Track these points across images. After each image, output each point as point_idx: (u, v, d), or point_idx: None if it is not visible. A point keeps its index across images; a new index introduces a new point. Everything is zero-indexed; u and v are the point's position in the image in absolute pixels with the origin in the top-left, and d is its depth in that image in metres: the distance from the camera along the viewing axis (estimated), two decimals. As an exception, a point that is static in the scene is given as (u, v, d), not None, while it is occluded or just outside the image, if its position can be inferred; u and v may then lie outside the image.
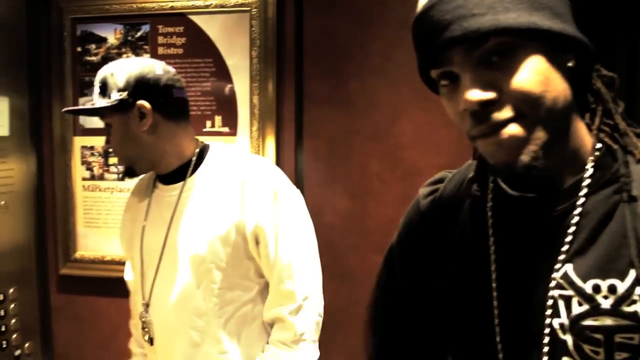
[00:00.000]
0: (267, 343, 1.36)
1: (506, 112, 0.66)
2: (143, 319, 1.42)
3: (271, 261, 1.32)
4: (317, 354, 1.35)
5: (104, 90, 1.33)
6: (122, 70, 1.32)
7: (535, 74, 0.66)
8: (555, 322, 0.70)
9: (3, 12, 1.90)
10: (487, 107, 0.66)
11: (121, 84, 1.31)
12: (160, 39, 1.93)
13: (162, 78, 1.34)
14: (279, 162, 1.86)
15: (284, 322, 1.32)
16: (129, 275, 1.60)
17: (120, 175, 1.99)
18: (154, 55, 1.92)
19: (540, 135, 0.66)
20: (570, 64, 0.69)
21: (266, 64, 1.84)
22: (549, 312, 0.70)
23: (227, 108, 1.89)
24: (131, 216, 1.52)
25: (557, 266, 0.71)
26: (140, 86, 1.32)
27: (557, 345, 0.70)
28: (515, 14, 0.65)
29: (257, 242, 1.33)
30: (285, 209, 1.34)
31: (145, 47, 1.94)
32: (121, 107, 1.31)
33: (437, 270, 0.86)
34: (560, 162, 0.71)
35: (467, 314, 0.80)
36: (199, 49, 1.90)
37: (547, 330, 0.70)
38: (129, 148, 1.36)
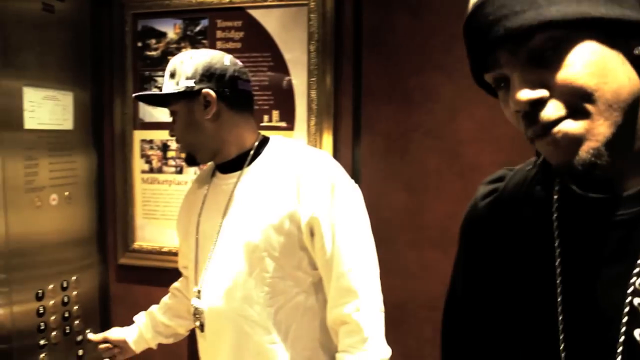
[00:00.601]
0: (337, 350, 1.34)
1: (558, 110, 0.63)
2: (195, 306, 1.44)
3: (328, 255, 1.31)
4: (389, 350, 1.33)
5: (173, 78, 1.38)
6: (191, 60, 1.37)
7: (586, 66, 0.62)
8: (636, 333, 0.65)
9: (68, 9, 1.95)
10: (538, 106, 0.64)
11: (189, 72, 1.36)
12: (219, 34, 1.95)
13: (229, 69, 1.38)
14: (335, 157, 1.84)
15: (349, 323, 1.30)
16: (183, 262, 1.65)
17: (183, 163, 2.01)
18: (213, 49, 1.93)
19: (601, 130, 0.62)
20: (637, 51, 0.63)
21: (324, 58, 1.83)
22: (625, 319, 0.65)
23: (284, 102, 1.89)
24: (189, 204, 1.56)
25: (636, 270, 0.65)
26: (207, 75, 1.36)
27: (636, 356, 0.65)
28: (560, 5, 0.62)
29: (312, 234, 1.33)
30: (342, 202, 1.33)
31: (204, 41, 1.96)
32: (187, 94, 1.36)
33: (497, 276, 0.81)
34: (631, 160, 0.66)
35: (529, 321, 0.76)
36: (257, 43, 1.91)
37: (622, 339, 0.65)
38: (192, 135, 1.40)
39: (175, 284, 1.73)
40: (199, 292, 1.44)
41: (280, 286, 1.35)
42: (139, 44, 2.04)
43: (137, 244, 2.11)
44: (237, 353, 1.39)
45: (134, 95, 1.55)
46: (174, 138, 1.45)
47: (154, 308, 1.73)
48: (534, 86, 0.64)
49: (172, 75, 1.39)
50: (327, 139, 1.85)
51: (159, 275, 2.07)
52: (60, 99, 1.92)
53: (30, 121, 1.80)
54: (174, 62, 1.40)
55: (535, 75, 0.64)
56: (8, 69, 1.72)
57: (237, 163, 1.42)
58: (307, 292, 1.38)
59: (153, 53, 2.02)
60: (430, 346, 1.87)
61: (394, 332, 1.88)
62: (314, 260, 1.37)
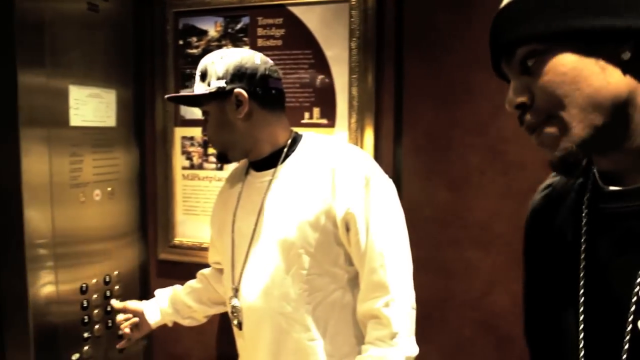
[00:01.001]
0: (364, 343, 1.34)
1: (537, 116, 0.72)
2: (232, 304, 1.46)
3: (362, 249, 1.31)
4: (416, 349, 1.32)
5: (204, 79, 1.40)
6: (221, 60, 1.39)
7: (558, 75, 0.69)
8: None
9: (112, 8, 1.98)
10: (523, 110, 0.74)
11: (220, 72, 1.37)
12: (260, 31, 1.95)
13: (260, 68, 1.39)
14: (377, 154, 1.85)
15: (379, 317, 1.30)
16: (215, 257, 1.70)
17: (217, 164, 2.05)
18: (254, 47, 1.94)
19: (575, 132, 0.69)
20: (624, 56, 0.67)
21: (365, 55, 1.82)
22: (632, 309, 0.69)
23: (325, 100, 1.89)
24: (223, 202, 1.58)
25: None
26: (238, 75, 1.37)
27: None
28: (536, 21, 0.70)
29: (347, 229, 1.33)
30: (376, 196, 1.33)
31: (245, 39, 1.97)
32: (219, 94, 1.38)
33: (542, 268, 0.87)
34: (632, 158, 0.72)
35: (552, 309, 0.82)
36: (298, 40, 1.91)
37: (629, 328, 0.69)
38: (225, 135, 1.42)
39: (204, 271, 1.77)
40: (236, 290, 1.46)
41: (317, 283, 1.36)
42: (180, 42, 2.06)
43: (177, 240, 2.13)
44: (275, 350, 1.40)
45: (166, 97, 1.56)
46: (206, 137, 1.48)
47: (177, 287, 1.78)
48: (521, 92, 0.73)
49: (203, 76, 1.40)
50: (369, 136, 1.84)
51: (198, 270, 2.09)
52: (104, 96, 1.95)
53: (75, 118, 1.83)
54: (204, 63, 1.41)
55: (523, 82, 0.73)
56: (56, 69, 1.75)
57: (270, 160, 1.43)
58: (344, 288, 1.38)
59: (194, 51, 2.03)
60: (471, 345, 1.85)
61: (433, 331, 1.88)
62: (350, 256, 1.37)
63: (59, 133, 1.77)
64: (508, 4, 0.74)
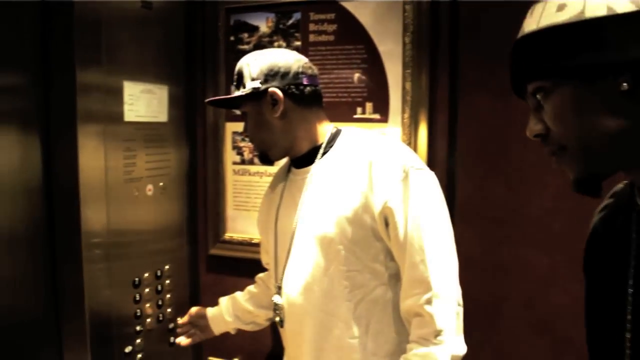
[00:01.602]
0: (408, 341, 1.32)
1: (552, 144, 0.79)
2: (275, 302, 1.46)
3: (401, 244, 1.28)
4: (464, 347, 1.28)
5: (240, 81, 1.43)
6: (256, 61, 1.42)
7: (560, 112, 0.75)
8: None
9: (164, 5, 1.99)
10: (542, 138, 0.80)
11: (254, 73, 1.40)
12: (312, 26, 1.94)
13: (293, 66, 1.41)
14: (430, 150, 1.82)
15: (422, 315, 1.27)
16: (265, 258, 1.72)
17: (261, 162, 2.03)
18: (305, 42, 1.94)
19: (574, 167, 0.77)
20: (623, 87, 0.70)
21: (419, 50, 1.79)
22: None
23: (378, 95, 1.87)
24: (268, 202, 1.60)
25: None
26: (272, 74, 1.40)
27: None
28: (539, 59, 0.77)
29: (386, 224, 1.30)
30: (416, 189, 1.29)
31: (297, 34, 1.96)
32: (255, 95, 1.40)
33: (596, 285, 0.93)
34: None
35: (609, 323, 0.86)
36: (350, 35, 1.89)
37: None
38: (264, 134, 1.44)
39: (261, 275, 1.79)
40: (279, 288, 1.46)
41: (358, 279, 1.34)
42: (232, 38, 2.06)
43: (227, 235, 2.13)
44: (318, 348, 1.39)
45: (206, 101, 1.60)
46: (247, 138, 1.51)
47: (238, 294, 1.82)
48: (536, 124, 0.81)
49: (239, 78, 1.44)
50: (422, 131, 1.81)
51: (248, 266, 2.09)
52: (156, 92, 1.97)
53: (129, 114, 1.85)
54: (240, 66, 1.45)
55: (539, 114, 0.80)
56: (111, 65, 1.77)
57: (310, 157, 1.44)
58: (385, 285, 1.36)
59: (245, 47, 2.03)
60: (526, 346, 1.81)
61: (486, 331, 1.84)
62: (391, 252, 1.34)
63: (113, 129, 1.79)
64: (517, 42, 0.81)
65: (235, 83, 1.46)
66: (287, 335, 1.50)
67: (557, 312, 1.76)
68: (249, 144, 2.06)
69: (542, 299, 1.78)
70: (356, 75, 1.89)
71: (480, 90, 1.80)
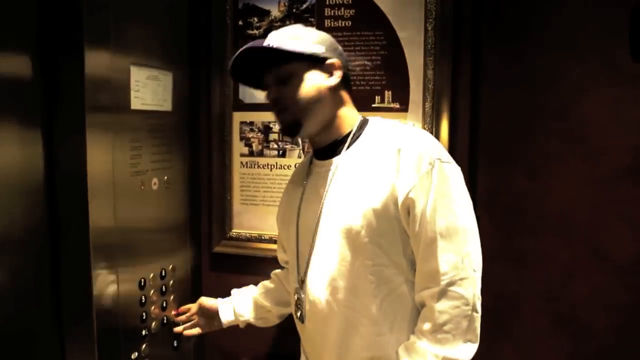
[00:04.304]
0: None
1: None
2: (297, 296, 1.40)
3: (418, 237, 1.24)
4: (466, 356, 1.21)
5: (296, 39, 1.33)
6: (312, 30, 1.39)
7: None
8: None
9: (167, -14, 1.86)
10: None
11: (316, 39, 1.35)
12: (327, 11, 1.86)
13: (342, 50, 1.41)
14: (452, 140, 1.78)
15: (426, 307, 1.23)
16: (283, 256, 1.65)
17: (287, 146, 1.95)
18: (320, 27, 1.85)
19: None
20: None
21: (442, 37, 1.75)
22: None
23: (397, 83, 1.81)
24: (288, 195, 1.53)
25: None
26: (333, 49, 1.37)
27: None
28: None
29: (408, 214, 1.25)
30: (440, 182, 1.24)
31: (311, 19, 1.87)
32: (311, 59, 1.33)
33: None
34: None
35: None
36: (369, 21, 1.82)
37: None
38: (309, 99, 1.33)
39: (277, 271, 1.73)
40: (301, 282, 1.39)
41: (384, 274, 1.28)
42: (240, 23, 1.94)
43: (234, 231, 2.02)
44: (342, 345, 1.33)
45: (246, 46, 1.35)
46: (276, 103, 1.36)
47: (252, 287, 1.76)
48: None
49: (295, 37, 1.33)
50: (444, 121, 1.77)
51: (256, 263, 2.00)
52: (161, 79, 1.83)
53: (136, 101, 1.72)
54: (295, 27, 1.38)
55: None
56: (118, 48, 1.63)
57: (334, 148, 1.37)
58: (411, 281, 1.30)
59: (255, 32, 1.93)
60: (546, 338, 1.80)
61: (508, 323, 1.83)
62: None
63: (121, 118, 1.65)
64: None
65: (289, 39, 1.32)
66: (308, 332, 1.43)
67: (578, 303, 1.76)
68: (259, 135, 1.97)
69: (563, 290, 1.78)
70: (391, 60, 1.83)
71: (503, 79, 1.77)
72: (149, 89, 1.77)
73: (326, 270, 1.33)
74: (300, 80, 1.33)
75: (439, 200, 1.23)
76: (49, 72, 1.52)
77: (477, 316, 1.22)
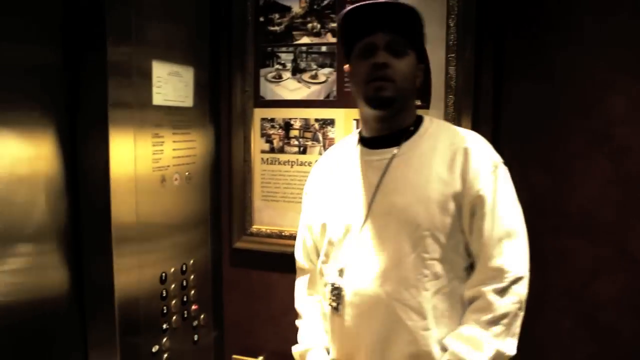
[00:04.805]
0: (461, 323, 1.29)
1: None
2: (336, 285, 1.37)
3: (485, 235, 1.27)
4: (513, 349, 1.27)
5: (419, 23, 1.36)
6: None
7: None
8: None
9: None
10: None
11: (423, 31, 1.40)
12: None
13: None
14: (475, 138, 1.76)
15: (484, 300, 1.25)
16: (308, 254, 1.60)
17: (307, 143, 1.94)
18: (342, 24, 1.84)
19: None
20: None
21: (464, 33, 1.73)
22: None
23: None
24: (325, 183, 1.50)
25: None
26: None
27: None
28: None
29: (472, 214, 1.28)
30: (502, 183, 1.31)
31: (332, 15, 1.87)
32: (421, 45, 1.40)
33: None
34: None
35: None
36: (391, 17, 1.81)
37: None
38: (410, 85, 1.36)
39: (311, 293, 1.58)
40: (341, 271, 1.37)
41: (437, 269, 1.29)
42: (261, 19, 1.95)
43: (254, 227, 2.03)
44: (386, 338, 1.32)
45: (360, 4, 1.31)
46: (385, 74, 1.30)
47: (316, 319, 1.56)
48: None
49: (419, 19, 1.36)
50: (466, 118, 1.75)
51: (276, 259, 2.00)
52: (183, 75, 1.85)
53: (158, 97, 1.73)
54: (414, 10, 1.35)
55: None
56: (140, 44, 1.64)
57: (395, 137, 1.37)
58: (460, 278, 1.32)
59: (276, 28, 1.93)
60: (569, 338, 1.78)
61: (528, 324, 1.79)
62: (468, 245, 1.32)
63: (143, 114, 1.67)
64: None
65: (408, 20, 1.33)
66: (345, 323, 1.38)
67: (601, 302, 1.74)
68: (279, 131, 1.97)
69: (586, 289, 1.75)
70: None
71: (525, 75, 1.75)
72: (171, 85, 1.78)
73: (376, 261, 1.32)
74: (412, 63, 1.35)
75: (505, 201, 1.30)
76: (71, 68, 1.54)
77: (522, 315, 1.30)
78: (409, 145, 1.36)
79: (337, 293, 1.38)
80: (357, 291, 1.34)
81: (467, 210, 1.29)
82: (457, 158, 1.30)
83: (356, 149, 1.46)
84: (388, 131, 1.38)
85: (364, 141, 1.44)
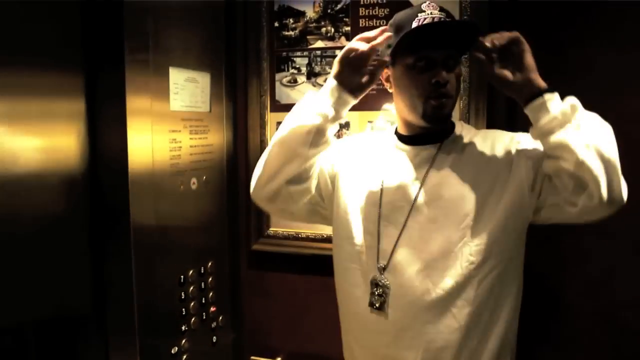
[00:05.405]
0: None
1: None
2: (377, 282, 1.36)
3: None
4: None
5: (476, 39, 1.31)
6: None
7: None
8: None
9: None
10: None
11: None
12: (362, 11, 1.87)
13: None
14: (489, 138, 1.76)
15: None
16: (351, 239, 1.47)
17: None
18: (355, 28, 1.86)
19: None
20: None
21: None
22: None
23: (433, 81, 1.80)
24: (358, 178, 1.46)
25: None
26: None
27: None
28: None
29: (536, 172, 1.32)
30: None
31: (346, 19, 1.89)
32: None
33: None
34: None
35: None
36: (403, 20, 1.82)
37: None
38: (458, 95, 1.40)
39: None
40: (383, 268, 1.36)
41: (485, 267, 1.30)
42: (276, 24, 1.97)
43: (272, 230, 2.05)
44: (424, 338, 1.31)
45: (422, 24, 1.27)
46: (447, 91, 1.32)
47: None
48: None
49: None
50: (481, 119, 1.75)
51: (294, 262, 2.03)
52: (199, 80, 1.88)
53: (174, 103, 1.76)
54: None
55: None
56: (158, 51, 1.68)
57: (434, 136, 1.39)
58: (515, 257, 1.36)
59: (291, 33, 1.95)
60: (588, 337, 1.77)
61: (546, 322, 1.80)
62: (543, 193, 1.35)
63: (160, 120, 1.70)
64: None
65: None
66: (389, 321, 1.35)
67: (620, 301, 1.72)
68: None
69: (604, 288, 1.74)
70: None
71: (540, 73, 1.74)
72: (187, 91, 1.82)
73: (421, 258, 1.32)
74: (460, 75, 1.38)
75: None
76: (90, 75, 1.58)
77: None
78: (452, 142, 1.39)
79: (379, 293, 1.36)
80: (403, 286, 1.33)
81: (530, 170, 1.31)
82: (509, 149, 1.35)
83: (392, 141, 1.46)
84: (431, 130, 1.39)
85: (407, 137, 1.43)
